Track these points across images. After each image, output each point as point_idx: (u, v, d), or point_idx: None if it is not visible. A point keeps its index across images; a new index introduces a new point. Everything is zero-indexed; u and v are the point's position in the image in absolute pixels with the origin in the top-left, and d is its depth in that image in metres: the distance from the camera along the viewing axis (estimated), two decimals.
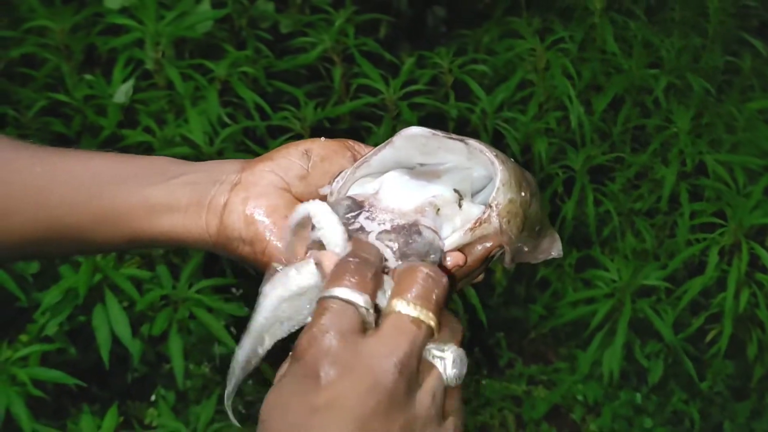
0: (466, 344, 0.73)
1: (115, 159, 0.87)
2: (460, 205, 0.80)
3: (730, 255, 2.63)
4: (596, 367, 2.79)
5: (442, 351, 0.69)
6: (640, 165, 2.84)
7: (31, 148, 0.89)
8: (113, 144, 2.48)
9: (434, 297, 0.68)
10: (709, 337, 2.85)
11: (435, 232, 0.76)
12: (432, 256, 0.75)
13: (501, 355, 3.04)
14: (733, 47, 3.15)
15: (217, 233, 0.79)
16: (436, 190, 0.80)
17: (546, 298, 2.94)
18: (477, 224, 0.79)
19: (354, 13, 2.80)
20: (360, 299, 0.66)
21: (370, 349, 0.64)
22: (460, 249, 0.79)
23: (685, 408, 2.93)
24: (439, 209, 0.79)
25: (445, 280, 0.69)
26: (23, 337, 2.36)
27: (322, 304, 0.66)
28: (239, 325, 2.51)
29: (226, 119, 2.54)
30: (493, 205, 0.79)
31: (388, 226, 0.75)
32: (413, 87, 2.65)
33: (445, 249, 0.77)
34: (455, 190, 0.81)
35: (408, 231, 0.75)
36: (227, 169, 0.81)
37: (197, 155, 2.44)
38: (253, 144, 2.52)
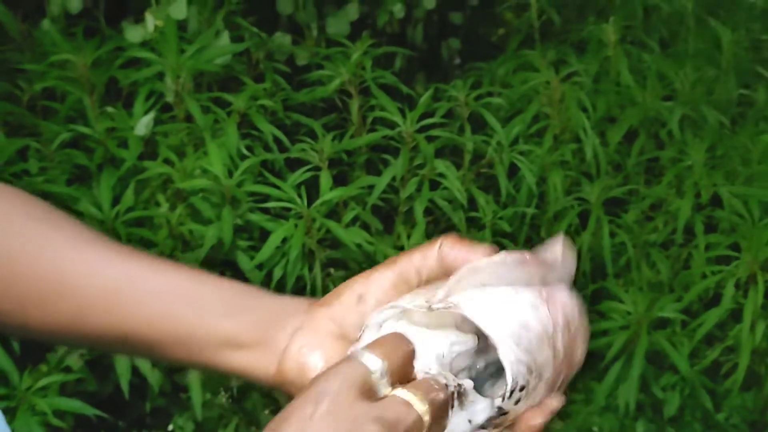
0: None
1: (185, 275, 0.87)
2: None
3: (746, 287, 2.65)
4: (612, 399, 2.80)
5: None
6: (655, 197, 2.86)
7: (107, 246, 0.88)
8: (134, 175, 2.51)
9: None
10: (724, 370, 2.86)
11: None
12: None
13: None
14: (747, 80, 3.17)
15: (275, 375, 0.80)
16: None
17: None
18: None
19: (370, 46, 2.83)
20: (377, 364, 0.68)
21: (360, 406, 0.66)
22: None
23: None
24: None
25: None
26: (43, 367, 2.38)
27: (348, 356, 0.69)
28: None
29: (245, 151, 2.57)
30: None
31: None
32: (430, 120, 2.68)
33: None
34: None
35: None
36: (292, 310, 0.82)
37: (217, 187, 2.48)
38: (271, 176, 2.54)
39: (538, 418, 0.73)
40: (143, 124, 2.53)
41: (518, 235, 2.81)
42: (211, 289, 0.86)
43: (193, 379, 2.40)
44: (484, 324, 0.69)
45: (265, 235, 2.53)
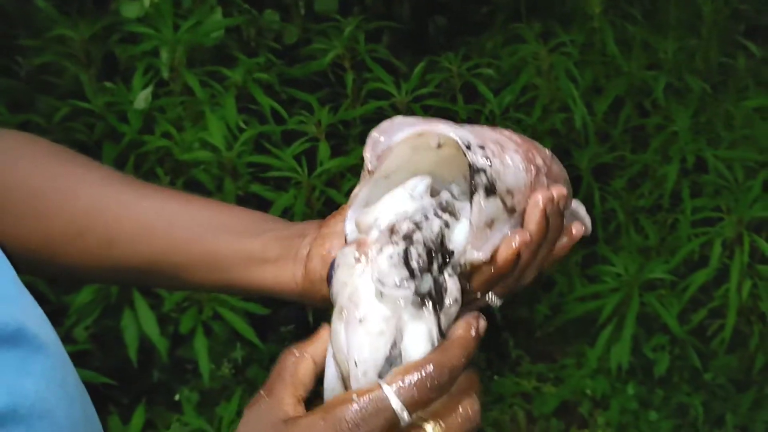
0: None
1: (213, 205, 0.93)
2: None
3: (731, 248, 2.72)
4: (603, 362, 2.86)
5: None
6: (642, 163, 2.92)
7: (135, 183, 0.94)
8: (135, 149, 2.53)
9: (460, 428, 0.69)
10: (711, 330, 2.94)
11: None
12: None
13: (509, 354, 3.11)
14: (728, 48, 3.25)
15: (302, 280, 0.84)
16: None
17: (553, 297, 3.01)
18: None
19: (362, 21, 2.87)
20: (405, 420, 0.66)
21: None
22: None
23: (689, 400, 3.00)
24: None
25: (479, 419, 0.70)
26: None
27: (375, 393, 0.66)
28: (259, 325, 2.56)
29: (243, 124, 2.61)
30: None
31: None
32: (423, 90, 2.73)
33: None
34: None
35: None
36: (310, 227, 0.86)
37: (217, 159, 2.51)
38: (271, 147, 2.58)
39: (538, 197, 0.77)
40: (142, 98, 2.56)
41: None
42: (236, 214, 0.92)
43: (200, 348, 2.43)
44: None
45: (265, 205, 2.56)
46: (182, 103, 2.64)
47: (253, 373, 2.71)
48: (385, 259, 0.70)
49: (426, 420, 0.68)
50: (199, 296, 2.44)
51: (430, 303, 0.70)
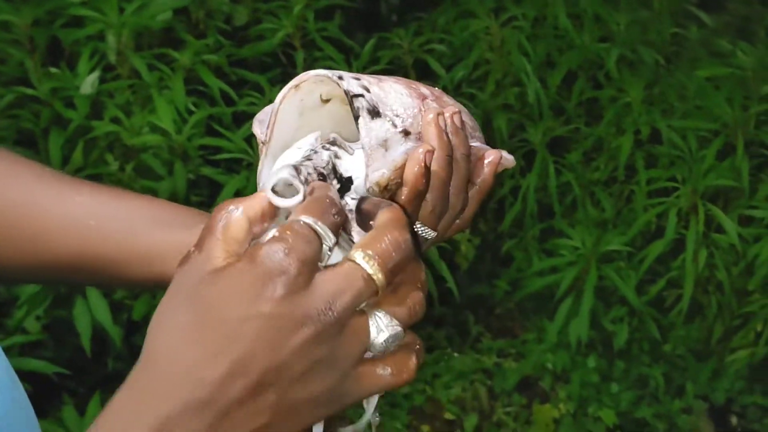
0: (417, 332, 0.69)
1: (146, 200, 0.91)
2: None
3: (686, 218, 2.73)
4: (563, 336, 2.87)
5: (386, 320, 0.66)
6: (596, 136, 2.92)
7: (66, 179, 0.92)
8: (82, 135, 2.49)
9: (392, 261, 0.66)
10: (669, 301, 2.95)
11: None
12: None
13: (469, 331, 3.11)
14: (680, 19, 3.26)
15: None
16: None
17: (512, 273, 3.01)
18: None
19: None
20: (329, 239, 0.65)
21: (319, 285, 0.63)
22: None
23: (649, 371, 3.02)
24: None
25: (410, 249, 0.67)
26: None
27: (294, 225, 0.64)
28: None
29: (192, 107, 2.57)
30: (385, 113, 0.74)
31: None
32: (375, 67, 2.71)
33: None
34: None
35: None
36: None
37: (167, 143, 2.48)
38: (221, 129, 2.55)
39: (428, 114, 0.76)
40: (89, 83, 2.52)
41: None
42: (168, 208, 0.90)
43: None
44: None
45: (217, 188, 2.54)
46: (131, 86, 2.61)
47: None
48: (273, 174, 0.68)
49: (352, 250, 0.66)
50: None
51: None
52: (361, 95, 0.73)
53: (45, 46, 2.59)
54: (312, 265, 0.62)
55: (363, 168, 0.73)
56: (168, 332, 0.63)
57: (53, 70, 2.56)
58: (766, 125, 2.86)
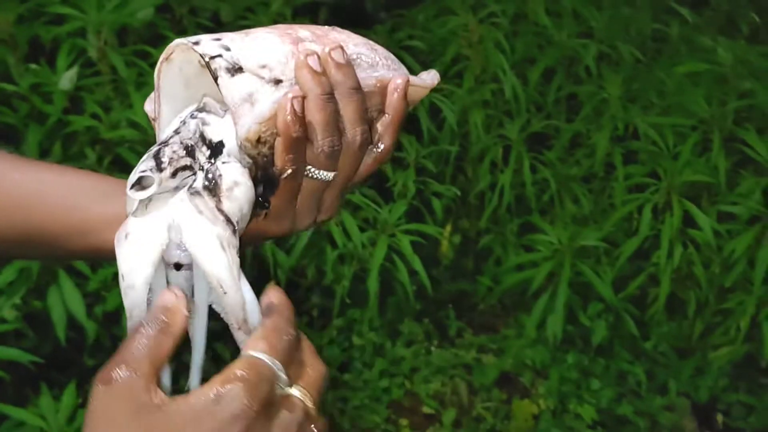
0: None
1: (88, 175, 0.93)
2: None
3: (663, 214, 2.73)
4: (542, 332, 2.88)
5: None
6: (574, 132, 2.93)
7: (9, 157, 0.94)
8: (60, 130, 2.54)
9: (321, 393, 0.71)
10: (650, 298, 2.95)
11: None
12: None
13: (450, 326, 3.12)
14: (661, 16, 3.25)
15: None
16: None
17: (490, 267, 3.02)
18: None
19: None
20: (285, 380, 0.67)
21: (275, 426, 0.65)
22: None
23: (630, 368, 3.02)
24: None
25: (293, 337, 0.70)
26: None
27: (255, 364, 0.66)
28: None
29: None
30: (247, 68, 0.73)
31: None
32: None
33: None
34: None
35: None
36: None
37: (143, 138, 2.51)
38: None
39: (297, 54, 0.75)
40: (67, 79, 2.56)
41: (443, 174, 2.88)
42: (104, 181, 0.92)
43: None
44: None
45: None
46: (112, 82, 2.65)
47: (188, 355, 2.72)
48: (137, 166, 0.70)
49: (289, 386, 0.69)
50: None
51: (206, 192, 0.70)
52: (219, 56, 0.72)
53: (26, 43, 2.64)
54: (268, 406, 0.65)
55: (229, 126, 0.73)
56: None
57: (33, 66, 2.61)
58: (745, 122, 2.86)
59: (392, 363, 2.97)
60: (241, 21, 2.90)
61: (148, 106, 0.79)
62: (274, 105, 0.74)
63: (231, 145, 0.73)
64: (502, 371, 2.99)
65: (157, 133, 0.78)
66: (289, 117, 0.74)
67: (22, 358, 2.33)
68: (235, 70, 0.73)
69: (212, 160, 0.72)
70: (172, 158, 0.71)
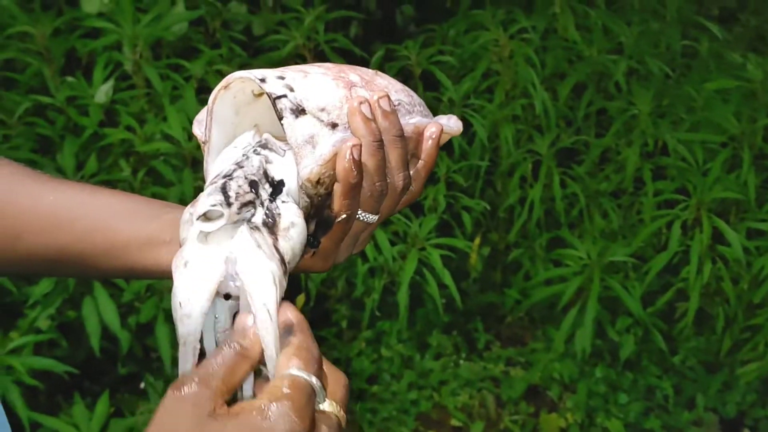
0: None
1: (118, 195, 0.95)
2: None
3: (693, 230, 2.73)
4: (571, 346, 2.88)
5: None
6: (604, 147, 2.94)
7: (42, 177, 0.96)
8: (96, 142, 2.57)
9: (347, 403, 0.74)
10: (678, 313, 2.95)
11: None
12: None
13: (478, 339, 3.14)
14: (691, 32, 3.26)
15: None
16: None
17: (519, 281, 3.03)
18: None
19: (324, 11, 2.90)
20: (321, 395, 0.70)
21: None
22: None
23: (658, 383, 3.03)
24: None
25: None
26: (14, 334, 2.44)
27: (297, 382, 0.68)
28: None
29: None
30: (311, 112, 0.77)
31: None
32: None
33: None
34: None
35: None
36: None
37: (177, 151, 2.55)
38: None
39: (352, 102, 0.78)
40: (103, 92, 2.59)
41: (473, 188, 2.90)
42: (135, 202, 0.95)
43: (161, 337, 2.47)
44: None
45: None
46: (147, 95, 2.68)
47: None
48: (203, 196, 0.72)
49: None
50: (160, 285, 2.47)
51: (265, 229, 0.72)
52: (284, 96, 0.75)
53: (62, 56, 2.67)
54: (313, 422, 0.68)
55: (291, 166, 0.76)
56: None
57: (70, 79, 2.65)
58: None
59: (421, 375, 2.98)
60: (273, 35, 2.92)
61: (198, 130, 0.81)
62: (332, 149, 0.77)
63: (291, 185, 0.76)
64: (530, 384, 3.00)
65: (206, 156, 0.80)
66: (348, 164, 0.77)
67: (58, 368, 2.36)
68: (299, 111, 0.76)
69: (273, 198, 0.74)
70: (238, 193, 0.72)
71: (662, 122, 2.87)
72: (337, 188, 0.78)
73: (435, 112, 0.84)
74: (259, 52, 2.97)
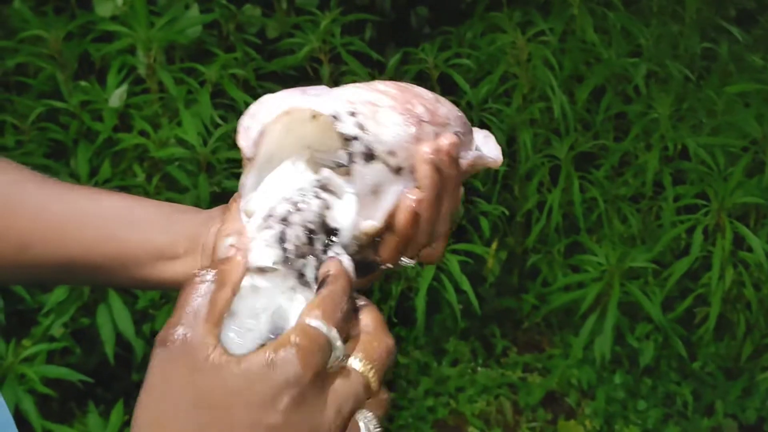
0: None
1: (126, 200, 0.92)
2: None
3: (714, 236, 2.70)
4: (589, 352, 2.85)
5: (374, 422, 0.70)
6: (623, 151, 2.91)
7: (48, 183, 0.93)
8: (110, 147, 2.54)
9: (384, 368, 0.69)
10: (698, 318, 2.92)
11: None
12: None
13: (495, 345, 3.11)
14: (711, 34, 3.23)
15: None
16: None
17: (537, 287, 3.00)
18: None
19: (339, 14, 2.87)
20: (339, 349, 0.66)
21: (329, 395, 0.65)
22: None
23: (677, 389, 2.99)
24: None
25: (395, 354, 0.71)
26: (26, 342, 2.42)
27: (308, 331, 0.64)
28: None
29: (219, 120, 2.61)
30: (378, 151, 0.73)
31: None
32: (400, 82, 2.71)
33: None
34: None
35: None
36: (215, 214, 0.84)
37: (192, 156, 2.52)
38: None
39: (425, 150, 0.74)
40: (117, 96, 2.57)
41: (491, 193, 2.87)
42: (149, 210, 0.90)
43: None
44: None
45: None
46: (161, 99, 2.65)
47: None
48: (260, 243, 0.69)
49: (351, 357, 0.68)
50: (175, 292, 2.44)
51: (315, 286, 0.69)
52: (356, 138, 0.71)
53: (76, 60, 2.65)
54: (323, 374, 0.64)
55: (352, 215, 0.72)
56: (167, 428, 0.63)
57: (83, 83, 2.62)
58: None
59: (438, 382, 2.95)
60: (288, 39, 2.89)
61: (243, 140, 0.76)
62: (395, 199, 0.74)
63: (345, 234, 0.72)
64: (548, 391, 2.97)
65: (247, 170, 0.76)
66: (409, 220, 0.74)
67: (72, 377, 2.34)
68: (369, 156, 0.72)
69: (325, 250, 0.71)
70: (297, 246, 0.69)
71: (682, 126, 2.84)
72: (391, 240, 0.75)
73: None
74: (273, 55, 2.94)
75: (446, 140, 0.76)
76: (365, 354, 0.68)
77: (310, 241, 0.70)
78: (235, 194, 0.81)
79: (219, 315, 0.64)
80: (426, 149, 0.74)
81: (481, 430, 2.90)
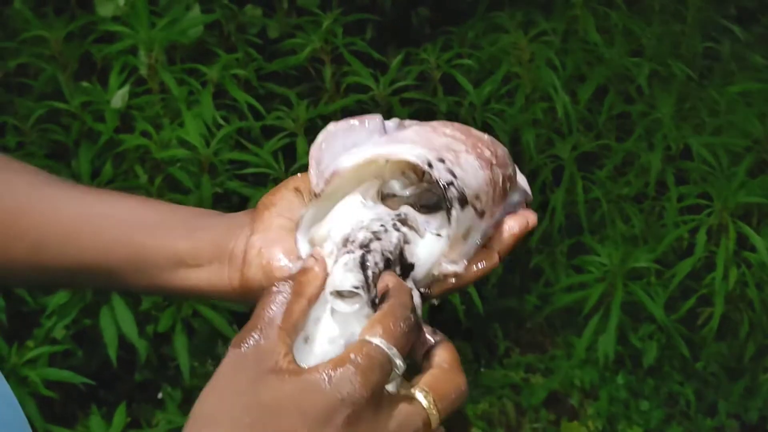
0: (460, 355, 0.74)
1: (142, 203, 0.90)
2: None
3: (717, 236, 2.70)
4: (592, 352, 2.85)
5: None
6: (626, 151, 2.90)
7: (64, 185, 0.92)
8: (112, 148, 2.53)
9: (452, 408, 0.70)
10: (701, 319, 2.92)
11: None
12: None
13: (498, 345, 3.10)
14: (713, 33, 3.22)
15: (240, 286, 0.80)
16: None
17: (540, 287, 3.00)
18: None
19: (340, 14, 2.86)
20: (399, 367, 0.66)
21: (383, 419, 0.64)
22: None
23: (680, 389, 2.99)
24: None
25: (467, 395, 0.72)
26: (30, 343, 2.41)
27: (368, 350, 0.65)
28: (240, 322, 2.55)
29: (221, 121, 2.60)
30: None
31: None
32: (402, 83, 2.72)
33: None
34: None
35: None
36: (241, 221, 0.83)
37: (194, 157, 2.51)
38: (249, 143, 2.57)
39: (515, 226, 0.78)
40: (119, 97, 2.55)
41: None
42: (166, 213, 0.88)
43: (180, 346, 2.43)
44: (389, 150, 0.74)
45: (243, 202, 2.56)
46: (162, 100, 2.64)
47: None
48: (340, 267, 0.69)
49: (417, 389, 0.68)
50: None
51: None
52: (452, 183, 0.72)
53: (77, 61, 2.64)
54: (380, 394, 0.64)
55: (432, 254, 0.73)
56: (222, 426, 0.63)
57: (85, 84, 2.61)
58: None
59: None
60: (289, 39, 2.88)
61: (316, 180, 0.75)
62: (478, 244, 0.76)
63: (420, 271, 0.73)
64: (550, 391, 2.97)
65: (311, 204, 0.76)
66: (479, 276, 0.77)
67: (75, 380, 2.33)
68: (463, 201, 0.73)
69: None
70: (374, 273, 0.69)
71: (685, 126, 2.84)
72: (455, 282, 0.76)
73: (454, 118, 0.81)
74: (275, 56, 2.93)
75: (531, 220, 0.80)
76: (433, 389, 0.68)
77: (387, 269, 0.70)
78: (263, 199, 0.82)
79: (293, 325, 0.66)
80: (516, 226, 0.78)
81: (484, 430, 2.89)
